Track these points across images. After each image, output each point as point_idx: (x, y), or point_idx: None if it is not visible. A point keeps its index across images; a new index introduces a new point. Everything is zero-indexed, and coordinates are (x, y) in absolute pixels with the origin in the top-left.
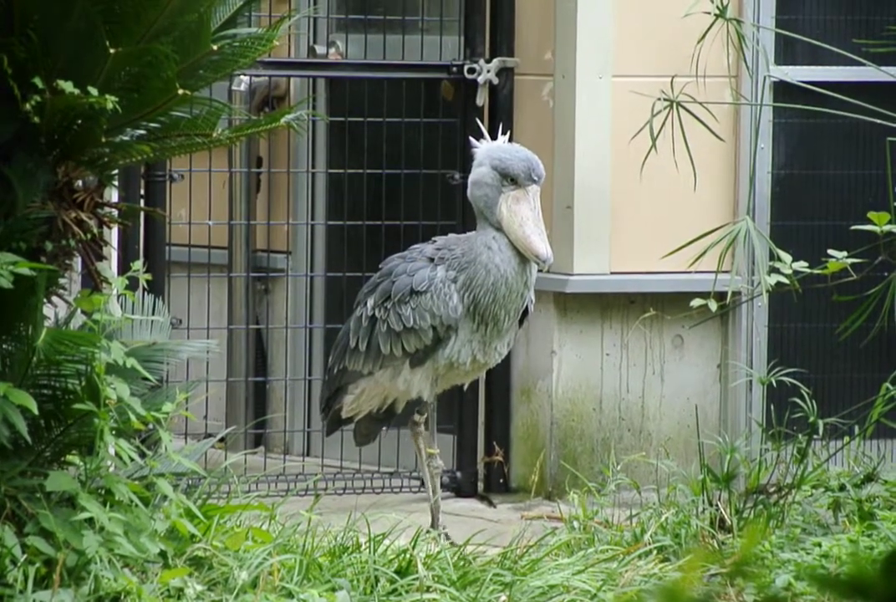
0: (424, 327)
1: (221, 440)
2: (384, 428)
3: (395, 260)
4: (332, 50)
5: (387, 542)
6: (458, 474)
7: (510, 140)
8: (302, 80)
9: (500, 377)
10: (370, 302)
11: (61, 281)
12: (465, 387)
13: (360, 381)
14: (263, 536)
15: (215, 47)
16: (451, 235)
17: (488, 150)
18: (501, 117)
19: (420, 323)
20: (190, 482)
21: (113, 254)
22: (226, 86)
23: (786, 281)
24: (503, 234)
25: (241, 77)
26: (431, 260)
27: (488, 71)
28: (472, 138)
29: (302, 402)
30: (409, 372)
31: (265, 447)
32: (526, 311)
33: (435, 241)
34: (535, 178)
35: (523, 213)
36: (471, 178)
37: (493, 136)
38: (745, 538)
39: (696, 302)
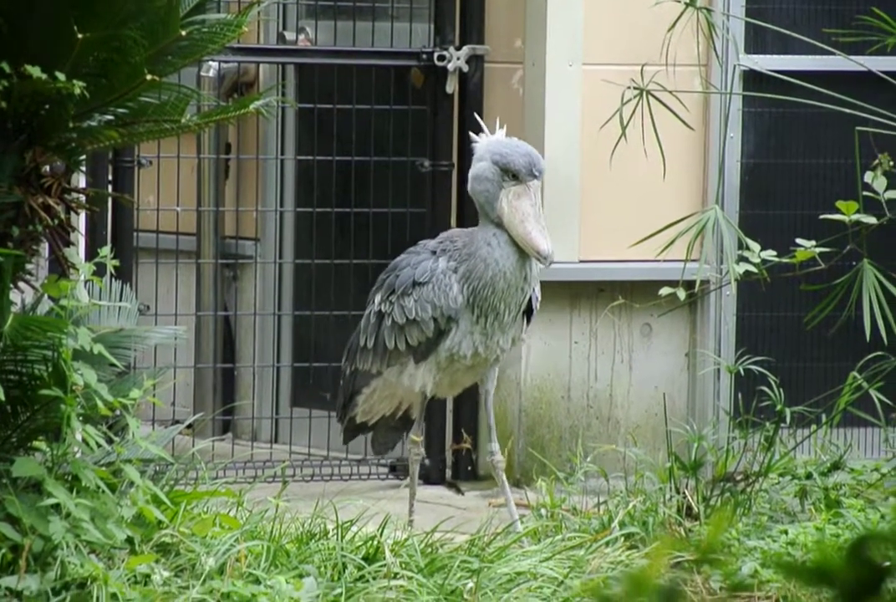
0: (426, 319)
1: (189, 426)
2: (401, 436)
3: (401, 255)
4: (302, 36)
5: (354, 528)
6: (427, 462)
7: (467, 128)
8: (271, 67)
9: None
10: (377, 298)
11: (28, 266)
12: None
13: (371, 381)
14: (231, 523)
15: (184, 33)
16: (456, 229)
17: (488, 145)
18: (471, 105)
19: (422, 314)
20: (157, 468)
21: (80, 239)
22: (195, 72)
23: (754, 270)
24: (503, 231)
25: (210, 63)
26: (434, 253)
27: (458, 58)
28: (471, 133)
29: (270, 389)
30: (414, 367)
31: (233, 434)
32: (531, 309)
33: (439, 237)
34: (537, 174)
35: (524, 209)
36: (471, 172)
37: (462, 125)
38: (712, 526)
39: (664, 290)
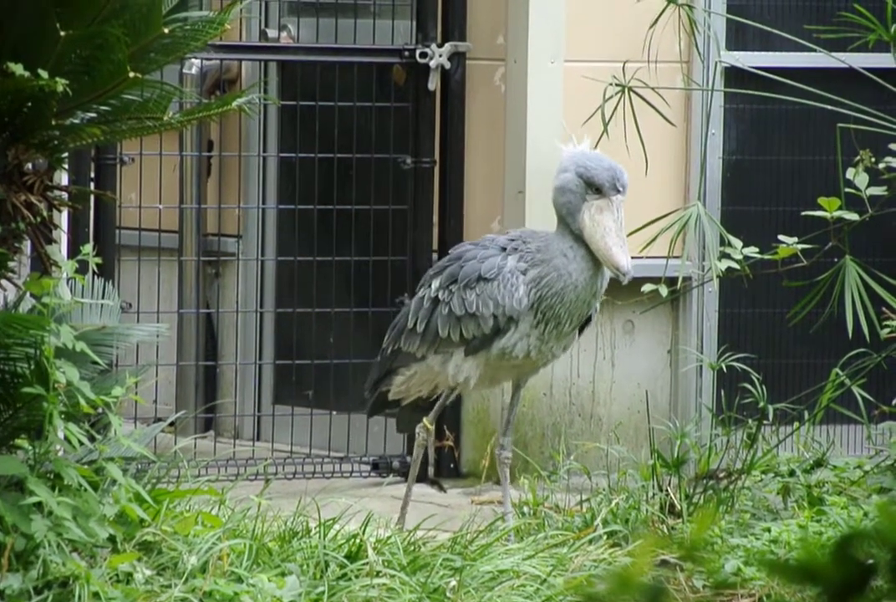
0: (486, 315)
1: (171, 424)
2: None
3: (466, 246)
4: (284, 33)
5: (337, 526)
6: (409, 459)
7: (455, 126)
8: (253, 64)
9: None
10: (435, 284)
11: (10, 264)
12: None
13: (412, 364)
14: (213, 521)
15: (166, 30)
16: (527, 229)
17: (573, 157)
18: (453, 102)
19: (482, 310)
20: (139, 466)
21: (63, 237)
22: (177, 69)
23: (736, 266)
24: (581, 244)
25: (193, 60)
26: (503, 249)
27: (440, 55)
28: (558, 143)
29: (252, 387)
30: (462, 359)
31: (215, 432)
32: (588, 319)
33: (508, 233)
34: (620, 188)
35: (606, 224)
36: (555, 183)
37: (445, 122)
38: (696, 523)
39: (646, 287)
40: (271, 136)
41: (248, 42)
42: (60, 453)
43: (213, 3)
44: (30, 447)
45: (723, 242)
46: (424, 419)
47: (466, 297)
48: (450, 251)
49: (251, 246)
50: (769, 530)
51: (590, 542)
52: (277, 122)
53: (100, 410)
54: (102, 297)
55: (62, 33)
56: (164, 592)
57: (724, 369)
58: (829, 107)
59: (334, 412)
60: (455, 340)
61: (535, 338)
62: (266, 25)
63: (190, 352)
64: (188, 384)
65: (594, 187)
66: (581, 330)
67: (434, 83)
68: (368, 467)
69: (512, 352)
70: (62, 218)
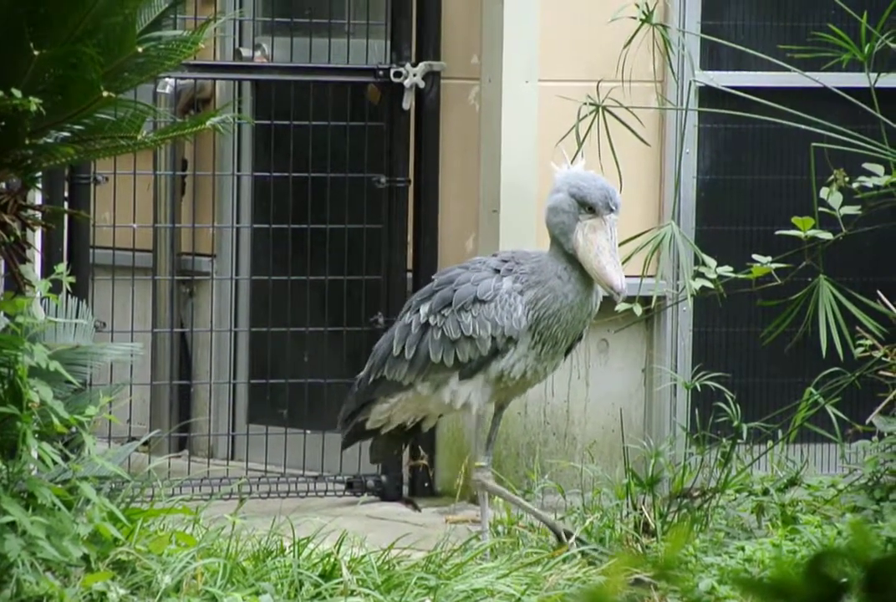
0: (484, 336)
1: (145, 443)
2: (402, 446)
3: (455, 269)
4: (258, 53)
5: (311, 545)
6: (384, 478)
7: (429, 145)
8: (228, 83)
9: None
10: (424, 309)
11: None
12: None
13: (396, 393)
14: (187, 540)
15: (140, 49)
16: (518, 250)
17: (566, 177)
18: (428, 121)
19: (480, 332)
20: (113, 486)
21: (36, 256)
22: (151, 88)
23: (710, 285)
24: (575, 265)
25: (167, 79)
26: (497, 271)
27: (414, 75)
28: (552, 163)
29: (226, 406)
30: (457, 383)
31: (189, 451)
32: (580, 337)
33: (496, 255)
34: (613, 207)
35: (599, 243)
36: (547, 203)
37: (419, 141)
38: (670, 542)
39: (621, 306)
40: (245, 155)
41: (222, 61)
42: (34, 472)
43: (188, 22)
44: (3, 466)
45: (697, 261)
46: (477, 462)
47: (462, 319)
48: (433, 277)
49: (225, 265)
50: (743, 549)
51: (564, 560)
52: (252, 142)
53: (73, 430)
54: (76, 317)
55: (36, 53)
56: None
57: (699, 388)
58: (803, 126)
59: (309, 431)
60: (448, 365)
61: (532, 358)
62: (240, 45)
63: (164, 371)
64: (162, 403)
65: (587, 207)
66: (569, 349)
67: (408, 102)
68: (343, 486)
69: (510, 373)
70: (36, 237)
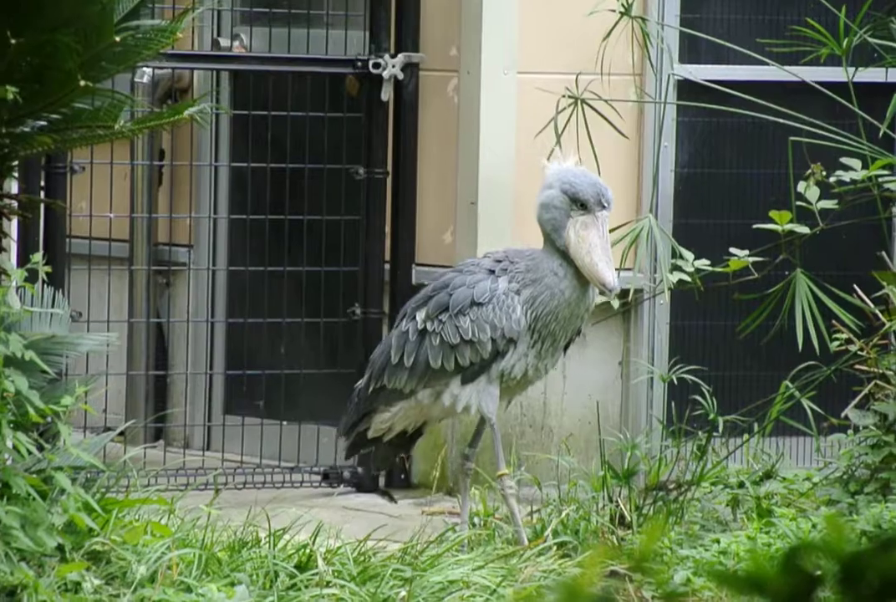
0: (484, 339)
1: (121, 434)
2: (404, 452)
3: (449, 273)
4: (237, 43)
5: (287, 536)
6: (360, 469)
7: (408, 136)
8: (205, 73)
9: None
10: (420, 315)
11: None
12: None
13: (397, 402)
14: (162, 531)
15: (118, 39)
16: (510, 249)
17: (558, 173)
18: (406, 113)
19: (479, 335)
20: (88, 476)
21: (12, 246)
22: (128, 78)
23: (688, 279)
24: (570, 261)
25: (144, 69)
26: (492, 272)
27: (393, 66)
28: (544, 160)
29: (202, 397)
30: (459, 387)
31: (165, 441)
32: (578, 332)
33: (489, 256)
34: (605, 204)
35: (591, 240)
36: (539, 200)
37: (398, 133)
38: (646, 535)
39: (598, 299)
40: (223, 145)
41: (200, 51)
42: (9, 462)
43: (166, 11)
44: None
45: (674, 255)
46: (500, 470)
47: (461, 324)
48: (426, 282)
49: (202, 255)
50: (718, 541)
51: (539, 552)
52: (229, 132)
53: (49, 419)
54: (52, 306)
55: (13, 41)
56: None
57: (675, 381)
58: (781, 120)
59: (285, 422)
60: (449, 370)
61: (532, 357)
62: (218, 34)
63: (140, 361)
64: (138, 394)
65: (579, 203)
66: (567, 344)
67: (387, 94)
68: (319, 477)
69: (511, 373)
70: (12, 226)
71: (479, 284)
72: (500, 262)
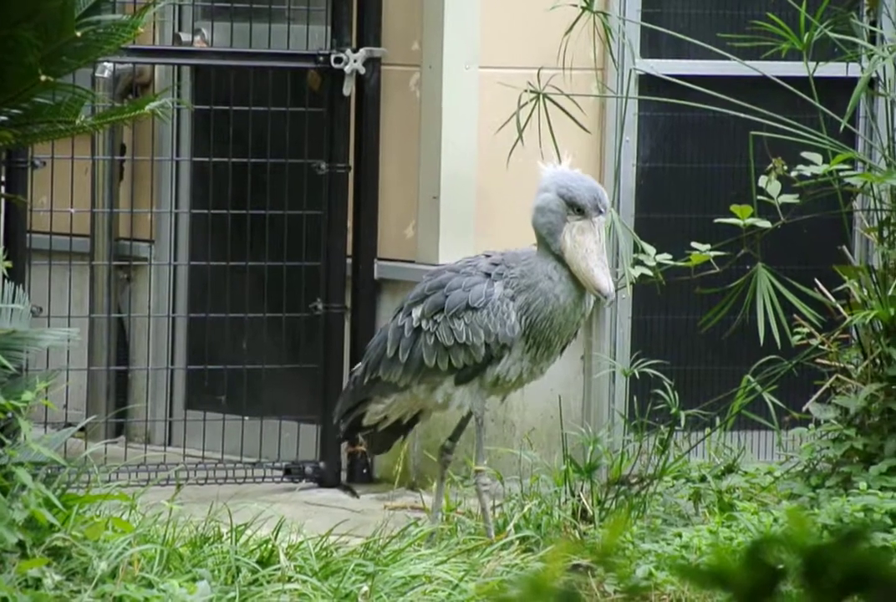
0: (478, 344)
1: (82, 429)
2: (401, 438)
3: (446, 273)
4: (198, 37)
5: (249, 532)
6: (322, 464)
7: (369, 131)
8: (167, 68)
9: None
10: (416, 313)
11: None
12: (325, 378)
13: (392, 394)
14: (124, 526)
15: (79, 34)
16: (508, 251)
17: (554, 177)
18: (368, 107)
19: (473, 339)
20: (49, 471)
21: None
22: (89, 72)
23: (649, 273)
24: (564, 265)
25: (105, 64)
26: (488, 275)
27: (355, 61)
28: (539, 162)
29: (164, 392)
30: (453, 387)
31: (126, 437)
32: (575, 333)
33: (489, 256)
34: (602, 209)
35: (588, 245)
36: (535, 203)
37: (360, 128)
38: (609, 529)
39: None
40: (184, 140)
41: (161, 46)
42: None
43: (127, 6)
44: None
45: (636, 249)
46: (477, 466)
47: (455, 326)
48: (424, 276)
49: (164, 250)
50: (680, 536)
51: (502, 547)
52: (191, 127)
53: (9, 415)
54: (13, 302)
55: None
56: (74, 598)
57: (637, 375)
58: (743, 115)
59: (247, 417)
60: (443, 370)
61: (527, 361)
62: (180, 29)
63: (101, 356)
64: (99, 389)
65: (576, 208)
66: (564, 346)
67: (349, 88)
68: (281, 473)
69: (506, 377)
70: None
71: (474, 288)
72: (496, 265)
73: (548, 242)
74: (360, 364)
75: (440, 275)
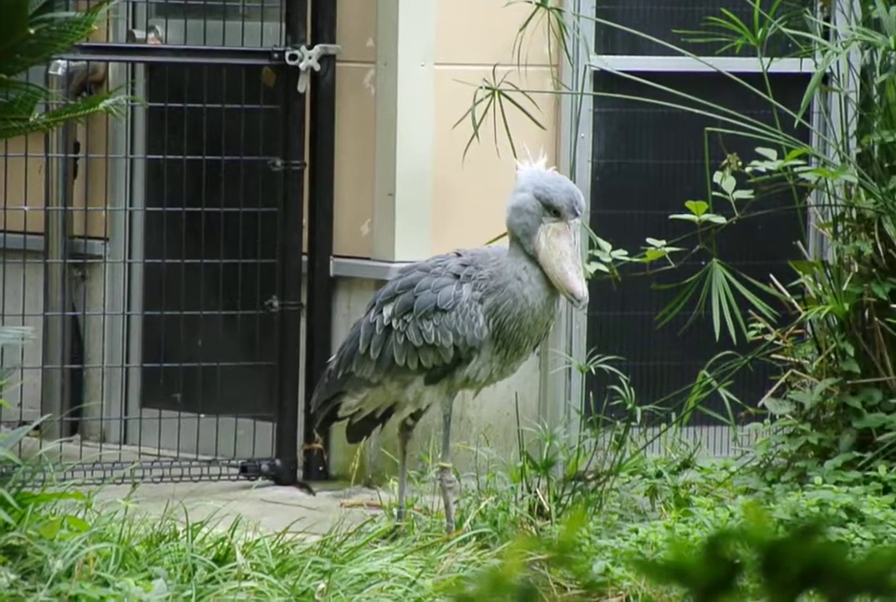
0: (446, 345)
1: (37, 428)
2: (379, 426)
3: (416, 272)
4: (152, 35)
5: (205, 530)
6: (278, 462)
7: (325, 128)
8: (120, 65)
9: (320, 365)
10: (387, 311)
11: None
12: (281, 376)
13: (364, 388)
14: (79, 525)
15: (32, 31)
16: (479, 250)
17: (531, 177)
18: (323, 104)
19: (442, 341)
20: (4, 470)
21: None
22: (43, 70)
23: (605, 269)
24: (535, 265)
25: (59, 61)
26: (457, 276)
27: (310, 57)
28: (515, 161)
29: (119, 390)
30: (422, 386)
31: (81, 435)
32: (546, 334)
33: (460, 256)
34: (578, 212)
35: (563, 248)
36: (510, 203)
37: (315, 125)
38: (566, 525)
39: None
40: (139, 137)
41: (115, 43)
42: None
43: (80, 3)
44: None
45: (592, 245)
46: (441, 461)
47: (424, 327)
48: (399, 271)
49: (118, 248)
50: (636, 531)
51: (459, 543)
52: (145, 124)
53: None
54: None
55: None
56: (30, 597)
57: (593, 372)
58: (697, 111)
59: (202, 415)
60: (412, 369)
61: (497, 362)
62: (133, 26)
63: (56, 355)
64: (54, 387)
65: (552, 210)
66: (536, 345)
67: (304, 85)
68: (237, 470)
69: (476, 377)
70: None
71: (443, 289)
72: (465, 266)
73: (522, 243)
74: (334, 357)
75: (410, 273)
